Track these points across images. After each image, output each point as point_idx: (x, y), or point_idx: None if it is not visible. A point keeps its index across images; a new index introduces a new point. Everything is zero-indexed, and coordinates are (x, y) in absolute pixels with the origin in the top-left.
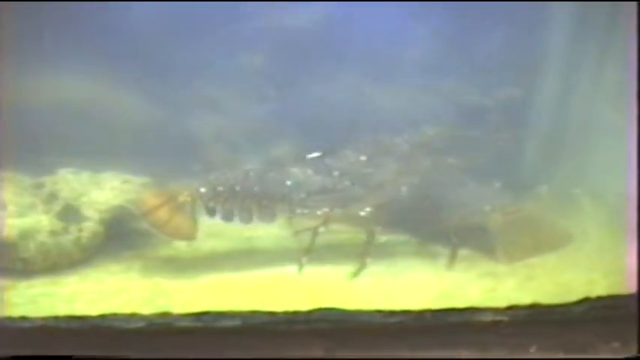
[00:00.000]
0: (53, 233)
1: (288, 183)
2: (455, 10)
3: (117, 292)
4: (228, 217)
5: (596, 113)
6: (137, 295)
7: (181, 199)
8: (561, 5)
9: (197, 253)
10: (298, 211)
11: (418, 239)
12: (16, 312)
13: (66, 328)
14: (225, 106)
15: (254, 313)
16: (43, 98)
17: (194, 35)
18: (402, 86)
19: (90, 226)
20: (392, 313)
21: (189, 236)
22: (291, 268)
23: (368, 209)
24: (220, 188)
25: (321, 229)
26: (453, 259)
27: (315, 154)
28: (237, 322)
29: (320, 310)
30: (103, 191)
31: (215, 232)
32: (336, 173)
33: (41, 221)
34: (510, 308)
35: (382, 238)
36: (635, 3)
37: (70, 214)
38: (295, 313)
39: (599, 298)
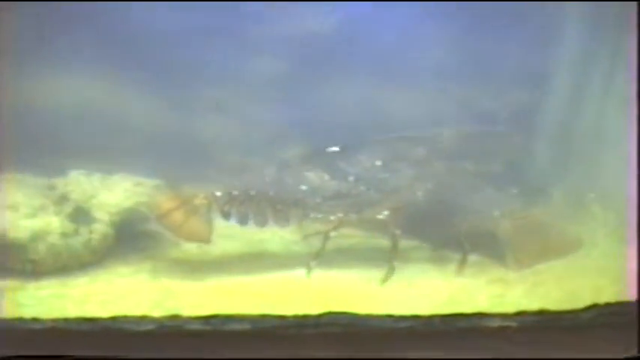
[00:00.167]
0: (64, 235)
1: (304, 188)
2: (469, 14)
3: (126, 294)
4: (243, 221)
5: (607, 118)
6: (147, 297)
7: (197, 202)
8: (573, 10)
9: (206, 255)
10: (312, 215)
11: (429, 244)
12: (26, 313)
13: (76, 329)
14: (237, 109)
15: (264, 317)
16: (55, 99)
17: (207, 38)
18: (415, 91)
19: (100, 228)
20: (402, 317)
21: (204, 239)
22: (301, 272)
23: (386, 213)
24: (236, 192)
25: (333, 234)
26: (462, 264)
27: (335, 149)
28: (246, 326)
29: (330, 314)
30: (113, 193)
31: (224, 234)
32: (351, 178)
33: (52, 223)
34: (519, 314)
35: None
36: (635, 3)
37: (80, 215)
38: (305, 317)
39: (607, 305)
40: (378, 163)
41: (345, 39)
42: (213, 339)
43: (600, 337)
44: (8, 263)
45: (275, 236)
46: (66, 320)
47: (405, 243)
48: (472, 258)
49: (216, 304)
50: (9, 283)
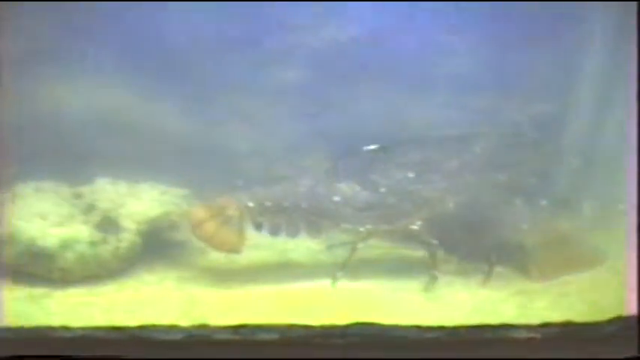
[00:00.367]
0: (92, 244)
1: (336, 199)
2: (492, 25)
3: (153, 302)
4: (275, 232)
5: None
6: (174, 305)
7: (229, 212)
8: (598, 20)
9: (232, 264)
10: (344, 226)
11: (456, 256)
12: (54, 321)
13: (105, 338)
14: (263, 120)
15: (291, 327)
16: (83, 109)
17: (233, 50)
18: (438, 102)
19: (128, 237)
20: (428, 328)
21: (236, 249)
22: (326, 282)
23: (419, 223)
24: (268, 203)
25: (360, 245)
26: (489, 276)
27: (373, 147)
28: (274, 335)
29: (357, 324)
30: (141, 202)
31: (249, 243)
32: (383, 190)
33: (80, 232)
34: (544, 326)
35: (418, 254)
36: (635, 3)
37: (108, 224)
38: (332, 327)
39: (632, 317)
40: (410, 174)
41: (370, 51)
42: (242, 348)
43: (624, 350)
44: (37, 271)
45: (300, 246)
46: (95, 329)
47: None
48: (497, 269)
49: (241, 313)
50: (38, 290)
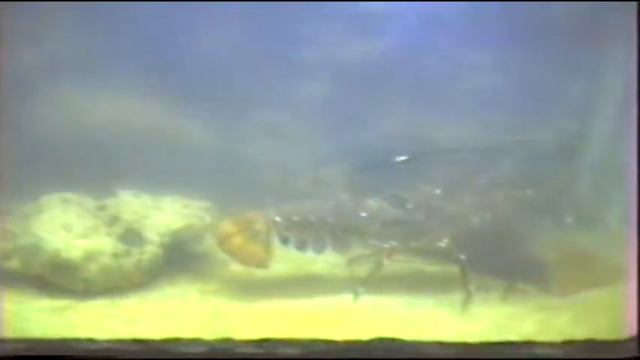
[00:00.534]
0: (115, 256)
1: (363, 214)
2: (514, 42)
3: (176, 315)
4: (301, 247)
5: None
6: (196, 318)
7: (256, 227)
8: (621, 38)
9: (253, 277)
10: (371, 242)
11: (477, 271)
12: (78, 333)
13: (130, 350)
14: (288, 134)
15: (314, 342)
16: (108, 121)
17: (256, 64)
18: (463, 118)
19: (151, 249)
20: (450, 344)
21: (263, 264)
22: (347, 297)
23: (446, 240)
24: (295, 218)
25: (386, 262)
26: (509, 292)
27: (403, 158)
28: (297, 350)
29: (379, 339)
30: (164, 215)
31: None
32: (410, 206)
33: (104, 243)
34: (566, 343)
35: (437, 269)
36: (635, 3)
37: (131, 236)
38: (355, 342)
39: None
40: (437, 191)
41: (394, 64)
42: None
43: None
44: (61, 282)
45: (321, 260)
46: (119, 341)
47: (451, 269)
48: (518, 285)
49: (263, 327)
50: (61, 302)
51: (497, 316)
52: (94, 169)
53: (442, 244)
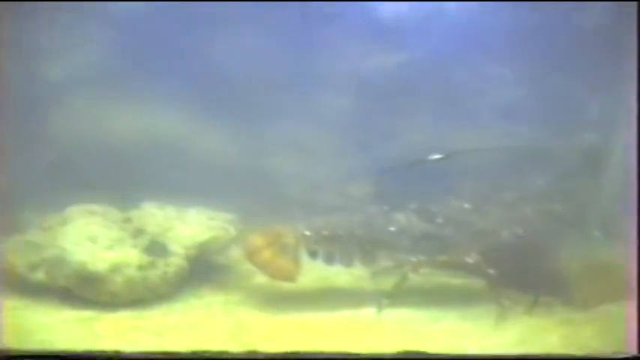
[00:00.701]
0: (141, 267)
1: (392, 229)
2: (536, 55)
3: (201, 327)
4: (329, 260)
5: None
6: (221, 330)
7: (285, 240)
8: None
9: (277, 289)
10: (399, 256)
11: (503, 285)
12: (103, 344)
13: None
14: (312, 147)
15: (340, 354)
16: (133, 133)
17: (282, 77)
18: (488, 131)
19: (176, 261)
20: (475, 357)
21: (291, 278)
22: (371, 310)
23: (475, 255)
24: (325, 232)
25: (411, 275)
26: (534, 305)
27: (437, 156)
28: None
29: (405, 352)
30: (188, 227)
31: None
32: (439, 220)
33: (130, 255)
34: (589, 357)
35: (459, 282)
36: (635, 3)
37: (157, 249)
38: (379, 355)
39: None
40: (467, 205)
41: (419, 77)
42: None
43: None
44: (86, 294)
45: (346, 273)
46: (148, 353)
47: (476, 283)
48: (542, 299)
49: (288, 339)
50: (86, 313)
51: (522, 330)
52: (118, 180)
53: (470, 260)
